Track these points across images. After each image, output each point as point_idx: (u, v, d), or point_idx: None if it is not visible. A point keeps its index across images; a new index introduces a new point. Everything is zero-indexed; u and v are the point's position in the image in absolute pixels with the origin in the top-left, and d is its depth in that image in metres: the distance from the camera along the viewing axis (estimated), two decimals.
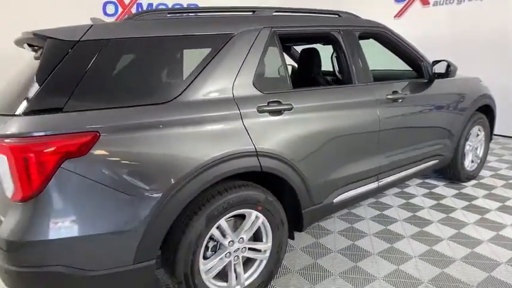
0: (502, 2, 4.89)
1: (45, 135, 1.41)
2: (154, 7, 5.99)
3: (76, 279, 1.51)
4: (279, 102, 1.98)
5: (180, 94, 1.72)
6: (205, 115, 1.75)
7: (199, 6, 1.91)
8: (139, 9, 5.88)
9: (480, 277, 2.18)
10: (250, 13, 2.14)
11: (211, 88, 1.81)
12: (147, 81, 1.70)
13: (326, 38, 2.46)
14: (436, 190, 3.52)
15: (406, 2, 5.97)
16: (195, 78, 1.77)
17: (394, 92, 2.63)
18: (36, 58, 1.68)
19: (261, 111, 1.92)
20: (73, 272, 1.49)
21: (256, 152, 1.85)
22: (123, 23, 1.77)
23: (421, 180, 3.76)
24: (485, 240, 2.59)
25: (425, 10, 5.76)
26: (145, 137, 1.58)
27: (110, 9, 5.62)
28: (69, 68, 1.52)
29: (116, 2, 5.64)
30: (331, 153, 2.24)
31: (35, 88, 1.48)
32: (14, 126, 1.40)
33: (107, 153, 1.49)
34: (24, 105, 1.45)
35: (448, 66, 2.92)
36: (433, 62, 2.94)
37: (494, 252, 2.43)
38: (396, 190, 3.55)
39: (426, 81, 2.96)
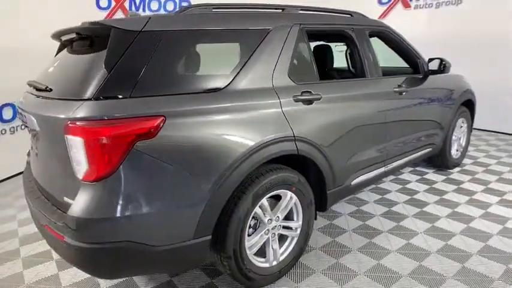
0: (476, 8, 5.36)
1: (119, 119, 1.51)
2: (147, 1, 5.98)
3: (141, 254, 1.62)
4: (310, 93, 2.18)
5: (229, 83, 1.86)
6: (251, 103, 1.91)
7: (237, 2, 1.99)
8: (132, 4, 5.85)
9: (477, 247, 2.49)
10: (280, 10, 2.31)
11: (255, 78, 1.97)
12: (201, 71, 1.83)
13: (342, 36, 2.68)
14: (427, 176, 3.87)
15: (389, 4, 6.36)
16: (241, 69, 1.92)
17: (399, 86, 2.90)
18: (84, 48, 1.77)
19: (296, 100, 2.10)
20: (138, 247, 1.60)
21: (294, 137, 2.03)
22: (176, 16, 1.88)
23: (412, 168, 4.10)
24: (477, 216, 2.93)
25: (407, 12, 6.17)
26: (203, 122, 1.72)
27: (103, 2, 5.55)
28: (133, 56, 1.61)
29: None
30: (351, 140, 2.47)
31: (102, 74, 1.55)
32: (88, 110, 1.49)
33: (172, 135, 1.61)
34: (93, 90, 1.53)
35: (441, 63, 3.24)
36: (429, 59, 3.25)
37: (488, 227, 2.77)
38: (391, 177, 3.85)
39: (422, 76, 3.26)
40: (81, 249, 1.55)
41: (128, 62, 1.60)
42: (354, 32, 2.66)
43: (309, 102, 2.17)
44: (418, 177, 3.86)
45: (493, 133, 5.57)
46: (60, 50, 2.34)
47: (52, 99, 1.68)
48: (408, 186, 3.63)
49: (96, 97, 1.52)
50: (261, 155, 1.88)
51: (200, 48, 1.87)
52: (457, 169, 4.06)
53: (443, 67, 3.26)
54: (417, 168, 4.09)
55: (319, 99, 2.21)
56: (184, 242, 1.71)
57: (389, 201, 3.27)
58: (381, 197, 3.38)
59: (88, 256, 1.58)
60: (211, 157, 1.72)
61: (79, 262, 1.64)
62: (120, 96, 1.56)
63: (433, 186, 3.61)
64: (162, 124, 1.58)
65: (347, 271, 2.27)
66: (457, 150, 4.04)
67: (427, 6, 5.91)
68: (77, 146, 1.49)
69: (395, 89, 2.84)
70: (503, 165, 4.12)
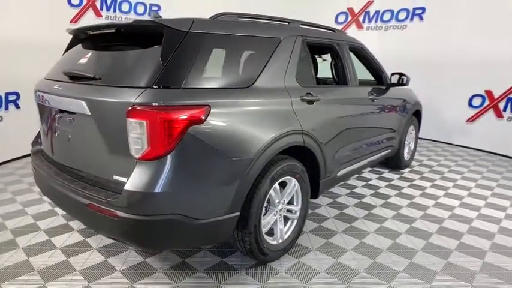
0: (419, 32, 6.28)
1: (177, 105, 1.73)
2: (118, 2, 5.98)
3: (186, 226, 1.84)
4: (311, 94, 2.56)
5: (254, 82, 2.17)
6: (271, 100, 2.23)
7: (251, 13, 2.26)
8: (103, 3, 5.81)
9: (434, 228, 3.06)
10: (286, 23, 2.68)
11: (272, 79, 2.30)
12: (232, 69, 2.11)
13: (329, 48, 3.12)
14: (384, 175, 4.48)
15: (345, 24, 7.13)
16: (261, 70, 2.24)
17: (371, 94, 3.43)
18: (132, 42, 1.96)
19: (302, 100, 2.47)
20: (184, 220, 1.82)
21: (302, 131, 2.39)
22: (212, 21, 2.14)
23: (371, 168, 4.70)
24: (431, 206, 3.55)
25: (360, 33, 6.97)
26: (238, 112, 2.00)
27: (75, 0, 5.45)
28: (183, 53, 1.85)
29: None
30: (339, 137, 2.90)
31: (159, 67, 1.77)
32: (151, 97, 1.69)
33: (215, 123, 1.87)
34: (152, 80, 1.74)
35: (400, 77, 3.87)
36: (392, 73, 3.86)
37: (439, 212, 3.38)
38: (355, 175, 4.40)
39: (385, 88, 3.85)
40: (136, 222, 1.72)
41: (179, 57, 1.83)
42: (338, 45, 3.14)
43: (311, 102, 2.55)
44: (378, 175, 4.46)
45: (431, 141, 6.50)
46: (73, 44, 2.45)
47: (106, 86, 1.83)
48: (371, 183, 4.18)
49: (155, 86, 1.73)
50: (279, 144, 2.20)
51: (231, 49, 2.15)
52: (407, 170, 4.75)
53: (401, 81, 3.89)
54: (375, 169, 4.70)
55: (318, 100, 2.61)
56: (219, 216, 1.95)
57: (358, 194, 3.78)
58: (350, 191, 3.88)
59: (141, 228, 1.75)
60: (244, 143, 2.00)
61: (131, 235, 1.79)
62: (174, 87, 1.78)
63: (391, 183, 4.21)
64: (208, 112, 1.83)
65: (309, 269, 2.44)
66: (407, 153, 4.74)
67: (377, 28, 6.76)
68: (139, 128, 1.68)
69: (369, 96, 3.36)
70: (443, 167, 4.91)
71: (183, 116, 1.73)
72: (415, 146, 4.95)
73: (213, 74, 2.00)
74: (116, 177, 1.81)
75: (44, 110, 2.41)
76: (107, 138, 1.84)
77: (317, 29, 3.00)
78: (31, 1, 4.83)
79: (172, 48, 1.82)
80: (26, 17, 4.77)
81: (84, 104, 1.85)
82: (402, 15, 6.45)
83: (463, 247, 2.74)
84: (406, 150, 4.65)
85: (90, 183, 1.97)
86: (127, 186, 1.71)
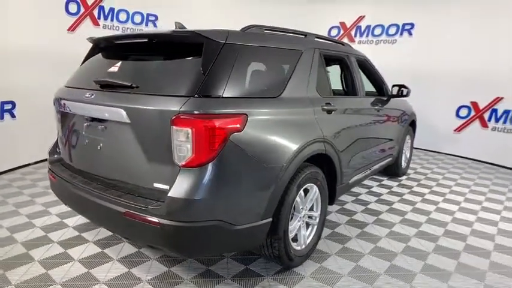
0: (408, 46, 6.57)
1: (220, 114, 1.78)
2: (115, 12, 5.97)
3: (225, 232, 1.87)
4: (330, 104, 2.67)
5: (282, 92, 2.25)
6: (298, 109, 2.32)
7: (274, 26, 2.35)
8: (101, 13, 5.79)
9: (440, 231, 3.20)
10: (303, 36, 2.78)
11: (297, 89, 2.39)
12: (262, 79, 2.18)
13: (341, 60, 3.26)
14: (384, 183, 4.64)
15: (337, 38, 7.39)
16: (288, 80, 2.32)
17: (376, 104, 3.58)
18: (169, 51, 2.00)
19: (323, 110, 2.57)
20: (224, 226, 1.85)
21: (323, 139, 2.48)
22: (244, 33, 2.20)
23: (370, 176, 4.85)
24: (433, 211, 3.71)
25: (352, 46, 7.23)
26: (270, 121, 2.07)
27: (72, 8, 5.40)
28: (222, 63, 1.90)
29: (78, 1, 5.45)
30: (353, 145, 3.01)
31: (201, 76, 1.82)
32: (196, 105, 1.73)
33: (252, 131, 1.92)
34: (195, 89, 1.78)
35: (399, 89, 4.05)
36: (393, 85, 4.04)
37: (442, 217, 3.54)
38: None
39: (386, 99, 4.03)
40: (179, 229, 1.74)
41: (218, 67, 1.88)
42: (348, 58, 3.28)
43: (330, 112, 2.66)
44: (378, 183, 4.61)
45: (421, 150, 6.76)
46: (94, 52, 2.46)
47: (146, 95, 1.85)
48: (373, 190, 4.32)
49: (198, 95, 1.77)
50: (306, 152, 2.28)
51: (261, 60, 2.23)
52: (405, 177, 4.94)
53: (401, 92, 4.07)
54: (374, 177, 4.85)
55: (335, 110, 2.72)
56: (255, 222, 1.99)
57: (364, 201, 3.89)
58: (355, 198, 4.00)
59: (184, 235, 1.77)
60: (276, 151, 2.07)
61: (173, 242, 1.80)
62: (214, 96, 1.83)
63: (392, 189, 4.37)
64: (246, 121, 1.89)
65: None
66: (404, 162, 4.93)
67: (368, 42, 7.04)
68: (183, 136, 1.71)
69: (375, 107, 3.51)
70: (437, 174, 5.13)
71: (226, 124, 1.78)
72: (411, 155, 5.15)
73: (246, 83, 2.07)
74: (156, 185, 1.83)
75: (66, 119, 2.39)
76: (147, 146, 1.85)
77: (330, 42, 3.13)
78: (27, 9, 4.76)
79: (211, 58, 1.87)
80: (22, 24, 4.69)
81: (123, 112, 1.86)
82: (392, 30, 6.76)
83: (470, 248, 2.89)
84: (403, 159, 4.83)
85: (125, 192, 1.97)
86: (171, 193, 1.73)
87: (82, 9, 5.52)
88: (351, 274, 2.46)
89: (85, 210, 2.21)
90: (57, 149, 2.61)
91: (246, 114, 1.90)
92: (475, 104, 5.92)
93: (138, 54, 2.19)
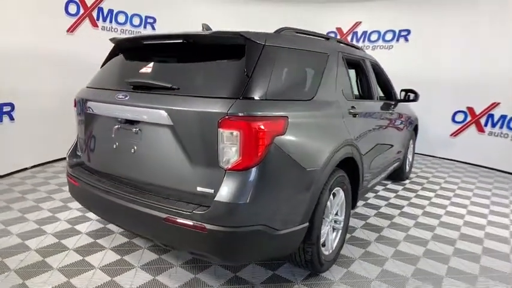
0: (403, 52, 6.70)
1: (266, 116, 1.75)
2: (114, 14, 5.85)
3: (268, 237, 1.83)
4: (354, 108, 2.67)
5: (315, 94, 2.23)
6: (329, 112, 2.31)
7: (300, 28, 2.33)
8: (100, 14, 5.66)
9: (455, 235, 3.26)
10: (326, 39, 2.79)
11: (327, 92, 2.38)
12: (299, 82, 2.16)
13: (358, 64, 3.27)
14: (389, 187, 4.69)
15: None
16: (319, 84, 2.31)
17: (387, 108, 3.62)
18: (208, 53, 1.96)
19: (349, 113, 2.57)
20: (268, 231, 1.81)
21: (351, 142, 2.48)
22: (279, 35, 2.18)
23: None
24: (443, 214, 3.76)
25: None
26: (307, 123, 2.06)
27: (72, 9, 5.25)
28: (263, 65, 1.88)
29: (78, 2, 5.30)
30: (373, 148, 3.03)
31: (245, 78, 1.78)
32: (244, 108, 1.69)
33: (292, 133, 1.90)
34: (240, 91, 1.75)
35: (406, 94, 4.11)
36: (401, 89, 4.09)
37: (453, 220, 3.60)
38: None
39: (394, 103, 4.08)
40: (226, 234, 1.68)
41: (260, 69, 1.85)
42: (364, 62, 3.31)
43: (354, 115, 2.66)
44: (383, 187, 4.65)
45: (418, 154, 6.87)
46: (117, 53, 2.40)
47: (190, 97, 1.80)
48: (380, 194, 4.36)
49: (243, 97, 1.74)
50: (338, 155, 2.27)
51: (297, 63, 2.21)
52: (408, 181, 5.01)
53: (407, 97, 4.13)
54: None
55: (359, 113, 2.73)
56: (295, 227, 1.96)
57: (374, 205, 3.92)
58: (365, 202, 4.02)
59: (231, 240, 1.72)
60: (314, 154, 2.05)
61: (218, 248, 1.74)
62: (258, 98, 1.80)
63: (398, 193, 4.42)
64: (287, 124, 1.86)
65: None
66: (407, 166, 5.00)
67: (365, 48, 7.14)
68: (231, 138, 1.67)
69: (388, 111, 3.55)
70: (438, 178, 5.23)
71: (271, 127, 1.75)
72: (413, 159, 5.24)
73: (284, 86, 2.04)
74: (200, 189, 1.77)
75: (90, 120, 2.30)
76: (189, 148, 1.79)
77: (349, 46, 3.15)
78: (26, 9, 4.60)
79: (254, 60, 1.84)
80: (21, 25, 4.53)
81: (165, 114, 1.80)
82: (389, 36, 6.89)
83: (488, 251, 2.94)
84: (407, 163, 4.90)
85: (164, 196, 1.91)
86: (218, 198, 1.68)
87: (81, 10, 5.39)
88: (379, 278, 2.45)
89: (115, 216, 2.13)
90: (77, 152, 2.50)
91: (286, 116, 1.87)
92: (471, 109, 6.08)
93: (173, 55, 2.13)
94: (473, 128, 6.10)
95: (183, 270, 2.44)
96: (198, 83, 1.89)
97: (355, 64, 3.22)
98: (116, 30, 5.92)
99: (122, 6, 5.92)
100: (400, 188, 4.66)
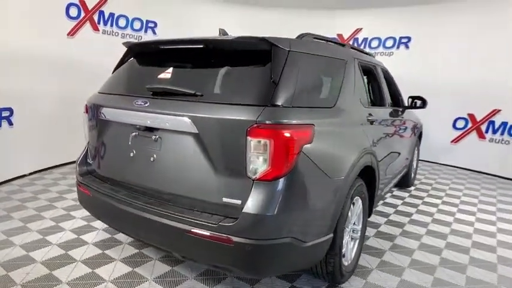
0: (404, 59, 6.74)
1: (296, 124, 1.69)
2: (115, 18, 5.76)
3: (296, 249, 1.76)
4: (371, 115, 2.63)
5: (336, 102, 2.18)
6: (349, 120, 2.26)
7: (318, 34, 2.29)
8: (101, 17, 5.56)
9: (468, 243, 3.22)
10: (340, 45, 2.75)
11: (347, 99, 2.33)
12: (322, 89, 2.11)
13: (370, 71, 3.25)
14: (395, 193, 4.66)
15: None
16: (339, 91, 2.27)
17: (397, 115, 3.60)
18: (231, 58, 1.90)
19: (367, 120, 2.53)
20: (296, 243, 1.74)
21: (370, 150, 2.44)
22: (301, 41, 2.13)
23: None
24: (452, 221, 3.74)
25: None
26: (331, 131, 2.00)
27: (73, 12, 5.14)
28: (289, 72, 1.82)
29: (79, 5, 5.20)
30: (387, 156, 2.99)
31: (271, 85, 1.72)
32: (273, 115, 1.63)
33: (318, 142, 1.84)
34: (267, 99, 1.68)
35: (413, 101, 4.10)
36: (409, 97, 4.08)
37: (463, 228, 3.57)
38: None
39: (401, 110, 4.07)
40: (255, 247, 1.61)
41: (287, 76, 1.79)
42: (376, 68, 3.28)
43: (372, 122, 2.62)
44: (390, 194, 4.63)
45: (420, 161, 6.89)
46: (128, 58, 2.32)
47: (217, 104, 1.73)
48: (387, 201, 4.32)
49: (271, 104, 1.67)
50: (360, 164, 2.22)
51: (319, 69, 2.15)
52: (413, 187, 4.99)
53: (414, 104, 4.12)
54: None
55: (375, 120, 2.69)
56: (320, 238, 1.90)
57: (383, 213, 3.87)
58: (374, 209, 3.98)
59: (259, 253, 1.64)
60: (338, 162, 2.00)
61: (245, 261, 1.66)
62: (285, 106, 1.74)
63: (405, 200, 4.39)
64: (314, 132, 1.81)
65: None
66: (412, 173, 4.99)
67: None
68: (261, 147, 1.60)
69: (398, 118, 3.52)
70: (442, 185, 5.22)
71: (301, 135, 1.70)
72: (417, 166, 5.23)
73: (309, 93, 1.99)
74: (226, 200, 1.70)
75: (104, 127, 2.21)
76: (215, 157, 1.72)
77: (362, 52, 3.12)
78: (27, 11, 4.49)
79: (280, 66, 1.79)
80: (21, 27, 4.41)
81: (189, 121, 1.73)
82: (389, 43, 6.93)
83: (503, 260, 2.91)
84: (412, 170, 4.89)
85: (186, 207, 1.83)
86: (246, 209, 1.61)
87: (82, 14, 5.29)
88: None
89: (131, 227, 2.03)
90: (88, 160, 2.41)
91: (313, 124, 1.82)
92: (472, 116, 6.12)
93: (194, 61, 2.05)
94: (474, 134, 6.14)
95: (199, 282, 2.34)
96: (222, 90, 1.83)
97: (368, 70, 3.19)
98: (116, 34, 5.83)
99: (123, 10, 5.84)
100: (406, 194, 4.64)
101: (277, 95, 1.71)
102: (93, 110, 2.26)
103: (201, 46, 1.94)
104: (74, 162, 5.32)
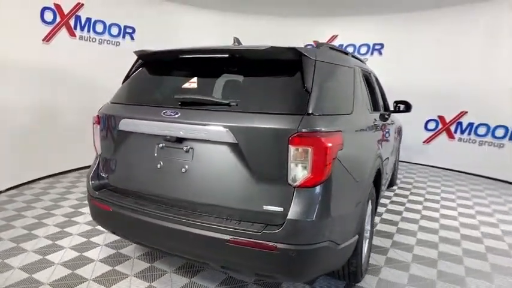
0: (378, 65, 7.09)
1: (331, 132, 1.76)
2: (92, 23, 5.54)
3: (332, 252, 1.82)
4: (376, 120, 2.78)
5: (353, 108, 2.28)
6: (364, 125, 2.37)
7: (331, 44, 2.37)
8: (78, 23, 5.33)
9: (457, 236, 3.47)
10: (345, 54, 2.87)
11: (360, 106, 2.44)
12: (341, 96, 2.19)
13: (367, 77, 3.40)
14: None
15: None
16: (354, 98, 2.37)
17: (388, 119, 3.80)
18: (263, 68, 1.93)
19: (373, 126, 2.66)
20: (332, 246, 1.81)
21: (379, 153, 2.57)
22: (322, 50, 2.19)
23: None
24: (439, 217, 4.00)
25: None
26: (354, 137, 2.10)
27: (48, 16, 4.88)
28: (317, 81, 1.88)
29: (55, 9, 4.95)
30: (386, 159, 3.15)
31: (305, 94, 1.78)
32: (313, 124, 1.69)
33: (346, 147, 1.91)
34: (303, 107, 1.74)
35: (396, 105, 4.35)
36: (394, 101, 4.32)
37: (450, 222, 3.84)
38: None
39: (388, 113, 4.29)
40: (300, 253, 1.65)
41: (317, 85, 1.86)
42: (370, 75, 3.45)
43: (376, 127, 2.76)
44: None
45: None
46: (140, 67, 2.29)
47: (255, 113, 1.75)
48: None
49: (307, 113, 1.73)
50: (375, 167, 2.34)
51: (338, 77, 2.23)
52: (396, 187, 5.27)
53: (398, 108, 4.37)
54: None
55: (378, 125, 2.84)
56: (349, 240, 1.97)
57: (376, 212, 4.06)
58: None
59: (303, 259, 1.68)
60: (362, 166, 2.11)
61: (289, 267, 1.69)
62: (318, 114, 1.80)
63: (392, 199, 4.62)
64: (343, 138, 1.89)
65: None
66: (396, 172, 5.27)
67: None
68: (302, 155, 1.65)
69: (389, 121, 3.73)
70: (420, 183, 5.56)
71: (336, 141, 1.77)
72: (398, 165, 5.53)
73: (333, 101, 2.06)
74: (267, 208, 1.72)
75: (123, 139, 2.14)
76: (255, 166, 1.74)
77: (360, 61, 3.27)
78: (7, 18, 4.20)
79: (310, 75, 1.85)
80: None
81: (228, 131, 1.73)
82: (363, 50, 7.27)
83: (491, 250, 3.17)
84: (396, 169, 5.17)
85: (224, 217, 1.82)
86: (291, 216, 1.65)
87: (58, 18, 5.04)
88: (410, 283, 2.54)
89: (163, 241, 1.97)
90: (101, 173, 2.31)
91: (341, 131, 1.90)
92: (442, 118, 6.58)
93: (221, 70, 2.05)
94: (444, 135, 6.60)
95: None
96: (255, 99, 1.85)
97: (366, 77, 3.35)
98: (94, 40, 5.61)
99: (100, 14, 5.64)
100: (391, 194, 4.88)
101: (311, 103, 1.77)
102: (108, 121, 2.18)
103: (228, 56, 1.95)
104: (53, 175, 5.11)
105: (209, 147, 1.84)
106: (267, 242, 1.66)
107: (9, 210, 3.70)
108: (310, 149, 1.66)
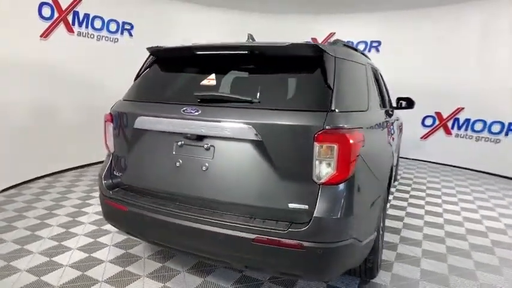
0: (376, 62, 7.13)
1: (355, 128, 1.75)
2: (91, 18, 5.43)
3: (355, 249, 1.81)
4: (385, 117, 2.78)
5: (368, 106, 2.28)
6: (379, 122, 2.37)
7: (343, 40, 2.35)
8: (76, 18, 5.21)
9: (462, 230, 3.52)
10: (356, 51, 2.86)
11: (374, 103, 2.45)
12: (359, 93, 2.18)
13: (374, 74, 3.40)
14: None
15: None
16: (368, 95, 2.36)
17: (393, 114, 3.82)
18: (284, 65, 1.91)
19: (385, 122, 2.66)
20: (356, 243, 1.80)
21: (392, 150, 2.58)
22: (339, 47, 2.17)
23: None
24: (442, 212, 4.04)
25: None
26: (372, 134, 2.09)
27: (46, 12, 4.75)
28: (338, 77, 1.86)
29: (52, 4, 4.82)
30: (396, 154, 3.16)
31: (328, 91, 1.76)
32: (338, 121, 1.67)
33: (367, 145, 1.91)
34: (327, 104, 1.72)
35: (398, 101, 4.37)
36: (397, 98, 4.34)
37: (453, 217, 3.89)
38: None
39: (391, 110, 4.31)
40: (326, 250, 1.64)
41: (338, 82, 1.84)
42: (376, 72, 3.45)
43: (387, 123, 2.77)
44: None
45: None
46: (148, 63, 2.25)
47: (276, 110, 1.72)
48: None
49: (331, 110, 1.71)
50: (391, 163, 2.34)
51: (354, 74, 2.21)
52: (397, 182, 5.31)
53: (400, 104, 4.40)
54: None
55: (388, 121, 2.84)
56: (369, 237, 1.97)
57: None
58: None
59: (329, 256, 1.66)
60: (380, 163, 2.11)
61: (315, 265, 1.68)
62: (341, 110, 1.78)
63: (394, 195, 4.66)
64: (364, 135, 1.88)
65: None
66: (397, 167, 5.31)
67: None
68: (328, 152, 1.64)
69: (395, 117, 3.74)
70: (420, 178, 5.62)
71: (359, 138, 1.75)
72: (398, 162, 5.57)
73: (353, 98, 2.05)
74: (292, 205, 1.70)
75: (138, 137, 2.08)
76: (279, 164, 1.71)
77: (367, 58, 3.26)
78: (2, 14, 4.08)
79: (332, 72, 1.83)
80: None
81: (252, 128, 1.70)
82: (361, 47, 7.28)
83: (496, 244, 3.21)
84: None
85: (248, 215, 1.79)
86: (317, 213, 1.63)
87: (56, 14, 4.92)
88: (423, 278, 2.56)
89: (184, 241, 1.93)
90: (114, 172, 2.26)
91: (362, 127, 1.89)
92: (439, 114, 6.65)
93: (240, 67, 2.02)
94: (441, 131, 6.68)
95: None
96: (278, 96, 1.83)
97: (374, 75, 3.35)
98: (92, 36, 5.50)
99: (98, 10, 5.52)
100: (393, 189, 4.91)
101: (334, 100, 1.76)
102: (122, 119, 2.13)
103: (247, 52, 1.92)
104: (51, 174, 5.00)
105: (231, 145, 1.81)
106: (293, 241, 1.64)
107: (9, 211, 3.61)
108: (335, 146, 1.64)
